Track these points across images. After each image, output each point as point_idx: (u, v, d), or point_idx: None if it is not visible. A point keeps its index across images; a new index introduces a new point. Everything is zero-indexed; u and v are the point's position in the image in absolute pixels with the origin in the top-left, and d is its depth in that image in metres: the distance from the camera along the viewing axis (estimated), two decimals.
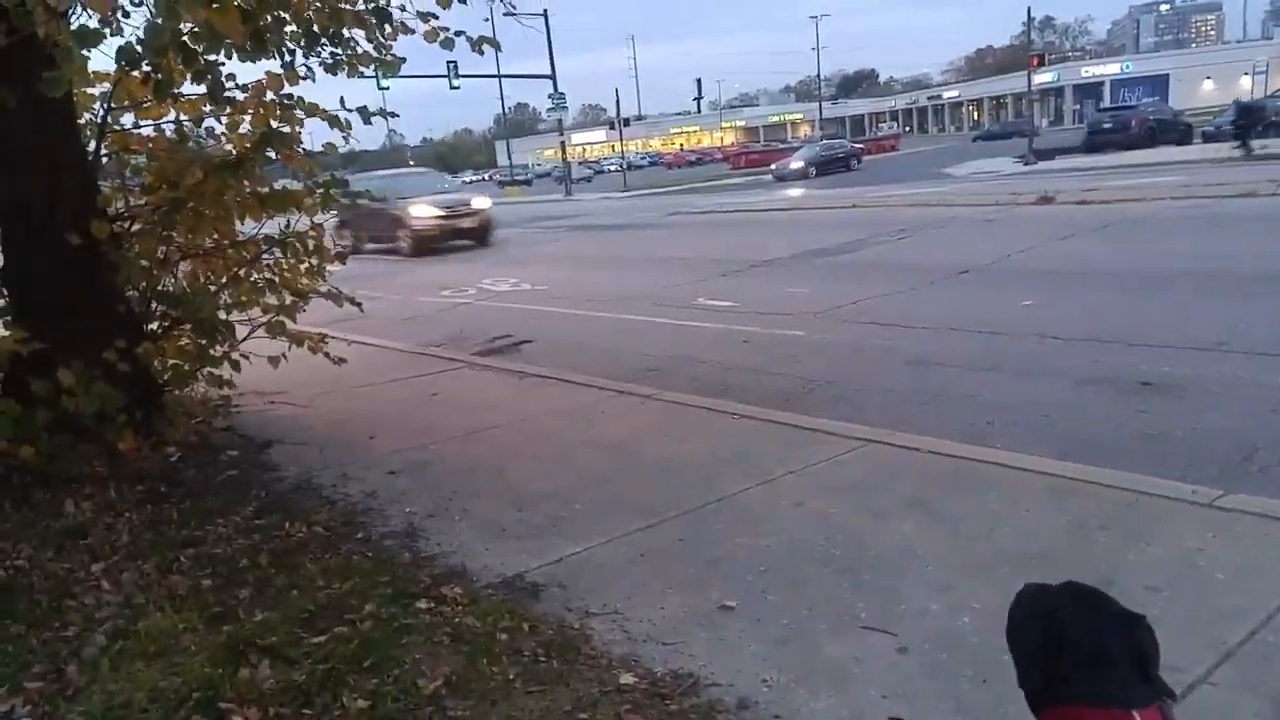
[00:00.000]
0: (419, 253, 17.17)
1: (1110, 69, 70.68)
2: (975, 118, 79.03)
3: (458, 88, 31.61)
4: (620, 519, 3.55)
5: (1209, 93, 58.42)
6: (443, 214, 17.78)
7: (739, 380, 5.95)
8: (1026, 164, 27.93)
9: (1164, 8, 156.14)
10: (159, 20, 3.30)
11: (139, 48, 3.52)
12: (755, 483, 3.82)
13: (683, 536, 3.35)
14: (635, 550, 3.27)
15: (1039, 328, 6.50)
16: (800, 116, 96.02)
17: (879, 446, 4.12)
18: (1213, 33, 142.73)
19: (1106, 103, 51.98)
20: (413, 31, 4.75)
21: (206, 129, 4.73)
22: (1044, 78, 59.80)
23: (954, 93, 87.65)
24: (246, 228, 4.93)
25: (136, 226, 4.31)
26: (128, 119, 4.68)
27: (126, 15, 3.84)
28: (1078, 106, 65.33)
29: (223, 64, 4.12)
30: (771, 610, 2.75)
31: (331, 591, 2.99)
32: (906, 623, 2.59)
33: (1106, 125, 30.67)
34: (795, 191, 28.05)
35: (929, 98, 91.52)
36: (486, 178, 78.01)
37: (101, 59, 3.93)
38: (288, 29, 4.23)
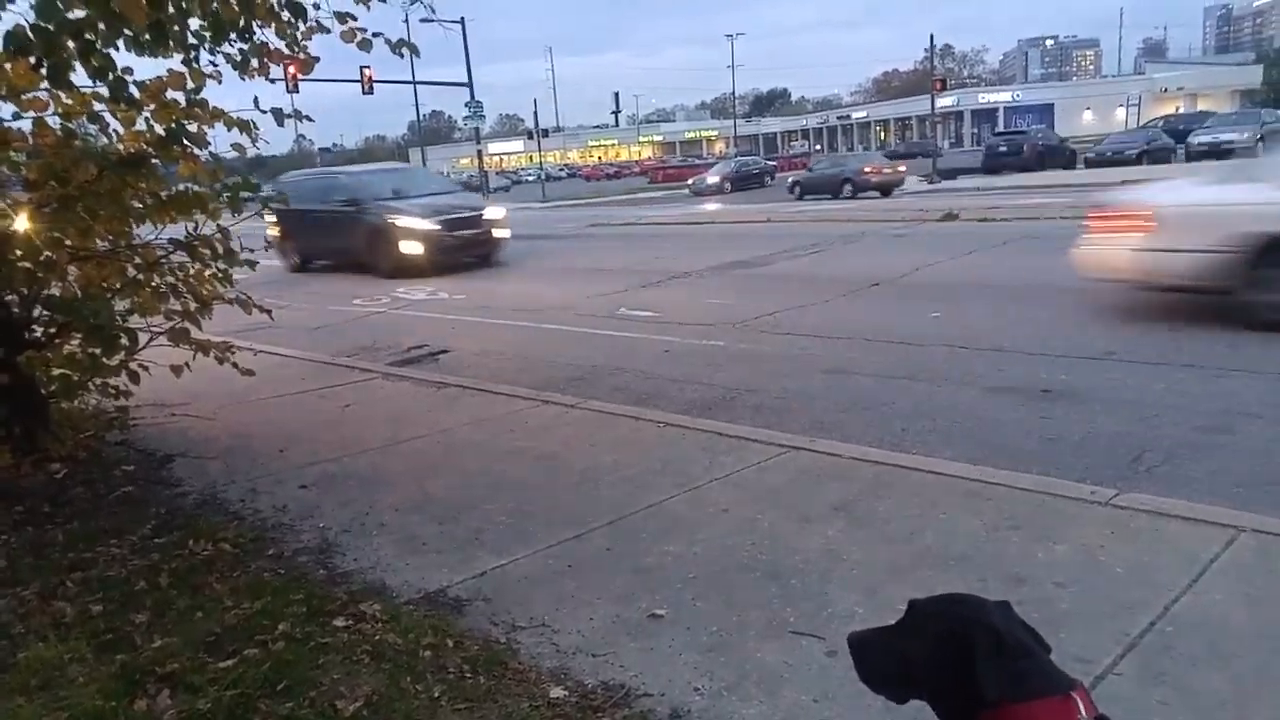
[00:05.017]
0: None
1: (1004, 96, 74.86)
2: (882, 138, 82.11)
3: (371, 93, 30.78)
4: (546, 530, 3.49)
5: (1089, 122, 62.53)
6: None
7: (662, 389, 5.97)
8: (931, 183, 29.23)
9: (1048, 42, 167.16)
10: None
11: (30, 33, 3.27)
12: (681, 490, 3.82)
13: (610, 546, 3.32)
14: (562, 561, 3.22)
15: (948, 338, 6.76)
16: (716, 133, 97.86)
17: (801, 453, 4.18)
18: (1092, 66, 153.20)
19: (1000, 127, 55.02)
20: (328, 31, 4.58)
21: (99, 126, 4.42)
22: (945, 101, 62.70)
23: (863, 113, 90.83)
24: (145, 231, 4.65)
25: (20, 225, 4.00)
26: (6, 111, 4.33)
27: (12, 0, 3.58)
28: (976, 130, 68.78)
29: (107, 51, 3.83)
30: (701, 618, 2.74)
31: (240, 612, 2.83)
32: (834, 626, 2.62)
33: (1002, 149, 32.46)
34: (712, 206, 28.50)
35: (839, 118, 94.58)
36: None
37: None
38: (192, 21, 4.01)
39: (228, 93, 4.47)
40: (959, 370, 5.90)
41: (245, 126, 4.37)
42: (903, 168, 28.36)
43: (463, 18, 34.35)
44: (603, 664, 2.52)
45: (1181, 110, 50.54)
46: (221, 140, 4.62)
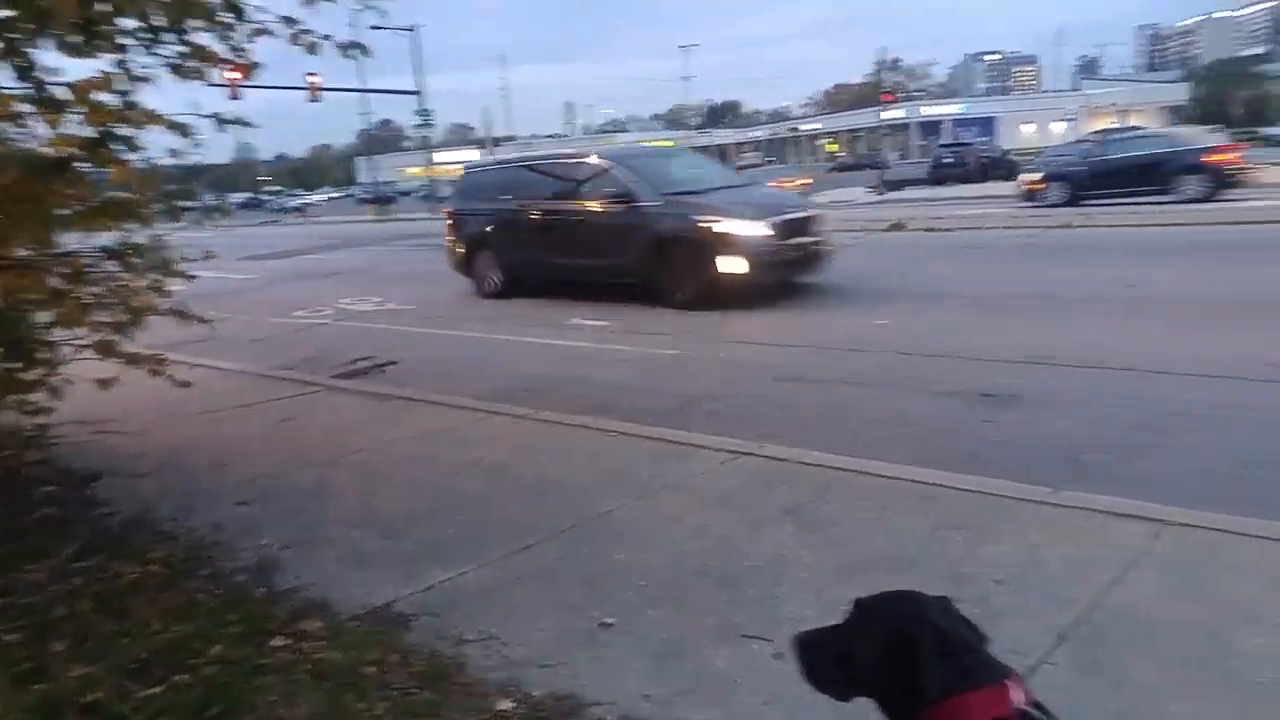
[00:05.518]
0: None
1: (949, 109, 76.81)
2: (831, 149, 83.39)
3: (317, 101, 30.18)
4: (495, 541, 3.42)
5: (1029, 135, 64.55)
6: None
7: (614, 398, 5.92)
8: (880, 194, 29.80)
9: (990, 58, 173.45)
10: None
11: None
12: (633, 498, 3.79)
13: (561, 556, 3.27)
14: (512, 573, 3.16)
15: (895, 345, 6.86)
16: (670, 144, 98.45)
17: (752, 459, 4.19)
18: (1033, 82, 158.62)
19: (946, 140, 56.53)
20: (272, 34, 4.45)
21: (20, 129, 4.22)
22: (894, 114, 64.20)
23: (813, 125, 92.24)
24: (70, 239, 4.44)
25: None
26: None
27: None
28: (924, 142, 70.37)
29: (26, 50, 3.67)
30: (652, 625, 2.71)
31: (170, 635, 2.68)
32: (785, 629, 2.59)
33: (947, 160, 33.43)
34: None
35: (790, 129, 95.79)
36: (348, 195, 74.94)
37: None
38: (125, 22, 3.85)
39: (169, 100, 4.30)
40: (906, 376, 5.98)
41: (181, 129, 4.21)
42: (809, 180, 30.81)
43: (413, 25, 34.03)
44: (552, 674, 2.47)
45: (1115, 124, 52.61)
46: (161, 146, 4.44)
